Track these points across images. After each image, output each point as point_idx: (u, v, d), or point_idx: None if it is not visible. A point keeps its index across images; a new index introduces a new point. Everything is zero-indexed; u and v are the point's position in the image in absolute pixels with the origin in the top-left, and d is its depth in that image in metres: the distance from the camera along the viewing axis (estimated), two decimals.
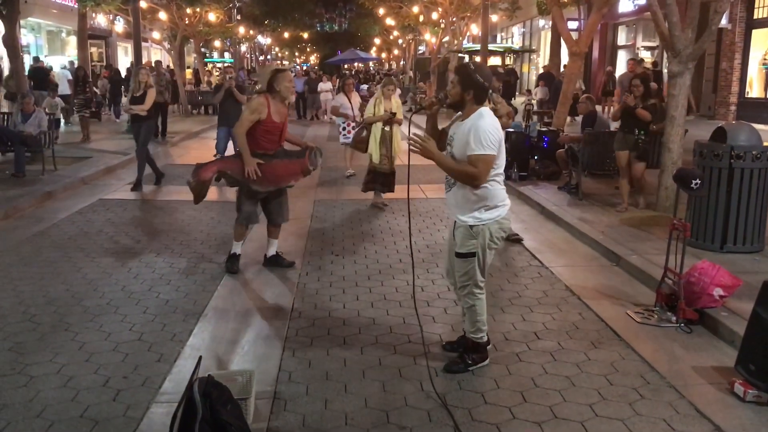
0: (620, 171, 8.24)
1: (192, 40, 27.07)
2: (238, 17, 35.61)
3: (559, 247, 6.92)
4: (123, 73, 24.91)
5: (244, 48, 47.40)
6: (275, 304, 5.26)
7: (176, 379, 3.97)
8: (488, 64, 20.71)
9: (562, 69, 20.75)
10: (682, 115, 7.66)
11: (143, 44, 22.27)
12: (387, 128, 8.42)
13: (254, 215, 5.91)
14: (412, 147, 3.84)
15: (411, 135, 3.89)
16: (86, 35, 20.15)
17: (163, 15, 23.28)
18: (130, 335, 4.61)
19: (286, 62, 68.28)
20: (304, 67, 46.84)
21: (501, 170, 3.93)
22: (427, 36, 32.02)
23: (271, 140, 5.72)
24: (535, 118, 16.33)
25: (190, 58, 36.15)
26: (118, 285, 5.63)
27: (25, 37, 22.72)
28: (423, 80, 31.63)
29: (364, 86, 23.15)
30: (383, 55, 62.24)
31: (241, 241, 6.02)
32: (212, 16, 25.94)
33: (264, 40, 52.89)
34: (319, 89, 21.91)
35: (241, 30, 35.82)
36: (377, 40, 53.38)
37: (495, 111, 6.39)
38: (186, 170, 11.24)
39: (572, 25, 20.70)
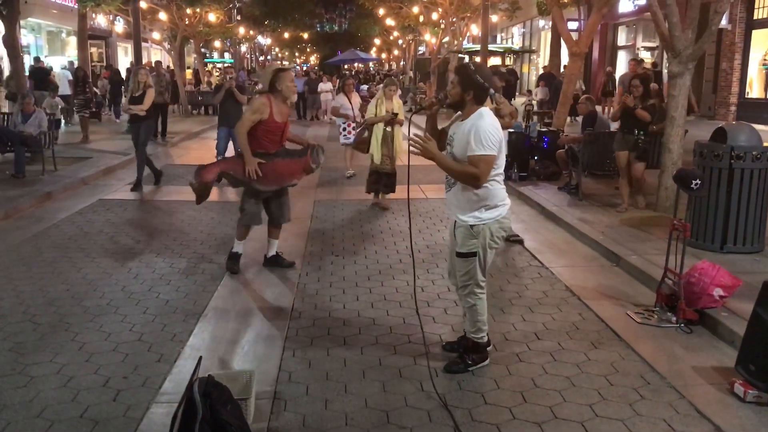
0: (620, 171, 8.25)
1: (192, 41, 27.07)
2: (238, 18, 35.65)
3: (559, 247, 6.92)
4: (123, 74, 24.92)
5: (244, 48, 47.45)
6: (275, 305, 5.26)
7: (176, 379, 3.97)
8: (489, 65, 20.72)
9: (562, 69, 20.76)
10: (682, 116, 7.66)
11: (143, 44, 22.30)
12: (388, 129, 8.43)
13: (257, 216, 5.91)
14: (412, 148, 3.84)
15: (412, 136, 3.89)
16: (86, 35, 20.14)
17: (163, 15, 23.30)
18: (130, 335, 4.61)
19: (285, 62, 68.27)
20: (305, 68, 46.90)
21: (501, 170, 3.93)
22: (427, 36, 32.04)
23: (272, 140, 5.72)
24: (535, 118, 16.33)
25: (190, 59, 36.16)
26: (118, 285, 5.64)
27: (25, 37, 22.72)
28: (423, 81, 31.62)
29: (364, 86, 23.17)
30: (383, 55, 62.28)
31: (242, 240, 6.03)
32: (212, 17, 25.95)
33: (264, 40, 52.93)
34: (319, 89, 21.90)
35: (241, 30, 35.85)
36: (377, 41, 53.42)
37: (497, 111, 6.41)
38: (186, 170, 11.28)
39: (572, 25, 20.71)
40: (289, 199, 6.11)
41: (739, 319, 4.51)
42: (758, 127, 6.95)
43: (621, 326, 4.80)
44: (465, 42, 28.91)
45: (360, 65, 58.96)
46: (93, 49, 28.87)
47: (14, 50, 13.20)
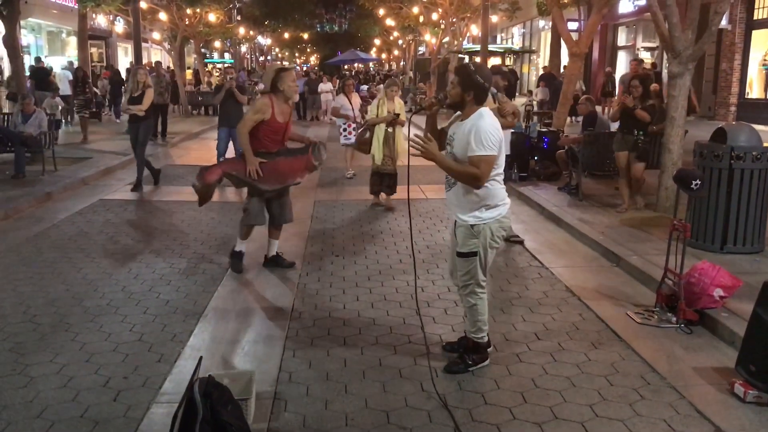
0: (620, 172, 8.25)
1: (192, 41, 27.09)
2: (238, 18, 35.70)
3: (560, 247, 6.93)
4: (123, 74, 24.92)
5: (244, 49, 47.47)
6: (275, 305, 5.26)
7: (176, 379, 3.97)
8: (489, 65, 20.71)
9: (562, 70, 20.77)
10: (683, 116, 7.66)
11: (143, 45, 22.31)
12: (390, 129, 8.44)
13: (261, 215, 5.90)
14: (413, 149, 3.84)
15: (412, 137, 3.89)
16: (86, 36, 20.16)
17: (163, 15, 23.31)
18: (130, 336, 4.61)
19: (286, 63, 68.28)
20: (305, 68, 46.90)
21: (501, 170, 3.94)
22: (427, 37, 32.04)
23: (274, 140, 5.73)
24: (535, 118, 16.34)
25: (190, 59, 36.18)
26: (118, 285, 5.64)
27: (26, 37, 22.72)
28: (423, 81, 31.61)
29: (364, 87, 23.19)
30: (383, 55, 62.29)
31: (245, 240, 6.02)
32: (212, 17, 25.97)
33: (264, 40, 52.96)
34: (319, 90, 21.90)
35: (241, 31, 35.88)
36: (377, 41, 53.43)
37: (500, 110, 6.41)
38: (186, 171, 11.28)
39: (572, 25, 20.71)
40: (290, 200, 6.11)
41: (739, 319, 4.51)
42: (758, 127, 6.95)
43: (621, 326, 4.80)
44: (465, 42, 28.92)
45: (360, 66, 58.98)
46: (93, 50, 28.87)
47: (14, 50, 13.21)
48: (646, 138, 7.96)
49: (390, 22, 35.41)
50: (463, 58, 23.43)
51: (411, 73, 39.04)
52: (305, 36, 64.62)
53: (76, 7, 19.70)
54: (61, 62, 21.89)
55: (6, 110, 13.99)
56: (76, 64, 18.72)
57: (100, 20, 28.73)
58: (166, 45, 25.06)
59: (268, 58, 61.67)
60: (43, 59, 19.54)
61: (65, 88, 18.05)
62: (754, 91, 17.59)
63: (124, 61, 31.97)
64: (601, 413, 3.62)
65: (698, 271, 4.80)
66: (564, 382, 3.96)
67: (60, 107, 14.90)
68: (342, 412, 3.63)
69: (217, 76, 28.46)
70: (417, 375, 4.03)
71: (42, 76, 17.57)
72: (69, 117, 17.91)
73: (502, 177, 3.99)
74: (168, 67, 24.44)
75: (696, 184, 4.91)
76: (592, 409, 3.66)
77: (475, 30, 28.92)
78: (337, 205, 9.01)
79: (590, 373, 4.08)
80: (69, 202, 8.92)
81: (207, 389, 3.08)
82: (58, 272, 5.95)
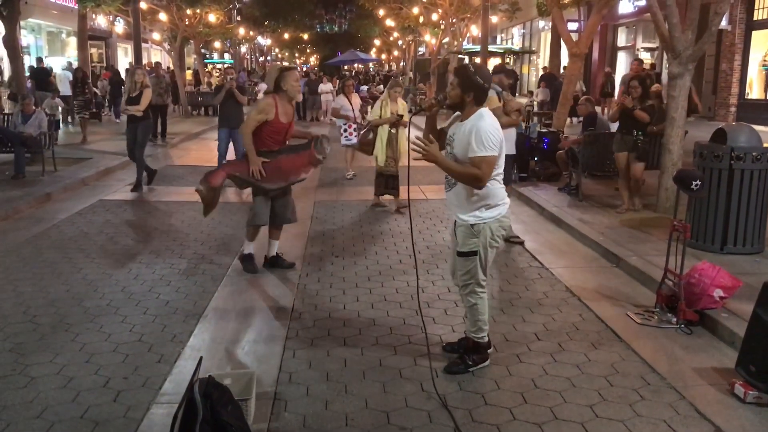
0: (620, 172, 8.25)
1: (192, 41, 27.10)
2: (238, 18, 35.68)
3: (560, 248, 6.93)
4: (123, 74, 24.94)
5: (244, 49, 47.46)
6: (275, 305, 5.26)
7: (177, 379, 3.97)
8: (493, 64, 20.70)
9: (562, 70, 20.77)
10: (683, 117, 7.66)
11: (143, 45, 22.30)
12: (393, 130, 8.44)
13: (264, 214, 5.90)
14: (414, 150, 3.84)
15: (413, 138, 3.89)
16: (86, 36, 20.18)
17: (163, 16, 23.32)
18: (130, 336, 4.61)
19: (286, 63, 68.27)
20: (305, 68, 46.91)
21: (501, 170, 3.94)
22: (427, 37, 32.06)
23: (276, 140, 5.74)
24: (535, 119, 16.35)
25: (190, 59, 36.20)
26: (118, 286, 5.64)
27: (26, 38, 22.74)
28: (423, 81, 31.65)
29: (364, 87, 23.20)
30: (383, 56, 62.29)
31: (253, 241, 6.02)
32: (212, 17, 25.98)
33: (264, 41, 52.97)
34: (319, 90, 21.90)
35: (241, 31, 35.88)
36: (377, 42, 53.43)
37: (505, 107, 6.41)
38: (185, 171, 11.29)
39: (572, 26, 20.73)
40: (292, 200, 6.11)
41: (739, 319, 4.51)
42: (758, 127, 6.95)
43: (621, 327, 4.80)
44: (465, 43, 28.91)
45: (360, 66, 59.00)
46: (93, 50, 28.90)
47: (14, 51, 13.23)
48: (646, 138, 7.96)
49: (390, 22, 35.42)
50: (463, 59, 23.47)
51: (411, 74, 39.07)
52: (305, 36, 64.68)
53: (76, 7, 19.72)
54: (61, 63, 21.91)
55: (6, 110, 14.00)
56: (75, 65, 18.73)
57: (100, 21, 28.76)
58: (166, 45, 25.06)
59: (268, 58, 61.70)
60: (43, 60, 19.56)
61: (65, 89, 18.06)
62: (754, 92, 17.60)
63: (124, 61, 31.98)
64: (601, 414, 3.62)
65: (698, 271, 4.80)
66: (564, 383, 3.96)
67: (60, 108, 14.91)
68: (342, 412, 3.63)
69: (217, 77, 28.48)
70: (417, 375, 4.03)
71: (42, 76, 17.59)
72: (69, 117, 17.92)
73: (502, 177, 4.00)
74: (168, 68, 24.45)
75: (696, 185, 4.91)
76: (592, 410, 3.66)
77: (475, 30, 28.93)
78: (337, 205, 9.01)
79: (590, 374, 4.08)
80: (69, 202, 8.92)
81: (207, 390, 3.08)
82: (58, 273, 5.95)
